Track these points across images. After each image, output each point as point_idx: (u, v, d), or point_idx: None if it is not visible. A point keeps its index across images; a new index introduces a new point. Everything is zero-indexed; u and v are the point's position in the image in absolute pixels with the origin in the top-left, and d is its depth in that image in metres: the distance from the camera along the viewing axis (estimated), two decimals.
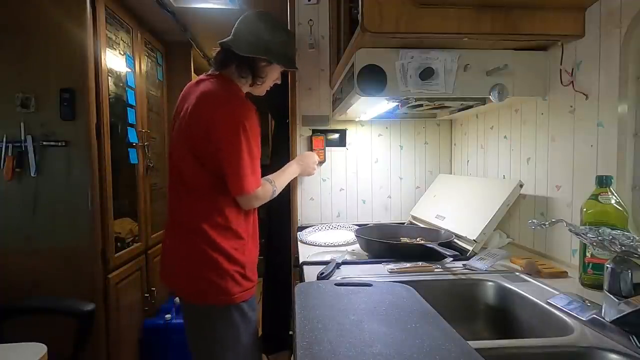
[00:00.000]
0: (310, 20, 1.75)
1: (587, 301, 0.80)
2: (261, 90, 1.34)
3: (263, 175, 1.26)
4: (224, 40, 1.22)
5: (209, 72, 1.27)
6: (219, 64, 1.24)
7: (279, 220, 2.39)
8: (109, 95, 1.84)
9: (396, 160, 1.86)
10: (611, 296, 0.69)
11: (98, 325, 1.71)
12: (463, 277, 1.04)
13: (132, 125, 2.08)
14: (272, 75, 1.31)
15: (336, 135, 1.82)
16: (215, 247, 1.14)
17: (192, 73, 2.80)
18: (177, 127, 1.24)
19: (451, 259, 1.13)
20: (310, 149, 1.78)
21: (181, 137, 1.19)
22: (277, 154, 2.51)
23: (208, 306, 1.16)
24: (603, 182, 0.88)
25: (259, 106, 1.31)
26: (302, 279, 1.10)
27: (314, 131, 1.79)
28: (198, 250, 1.14)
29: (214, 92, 1.17)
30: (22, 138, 1.62)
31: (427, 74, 1.11)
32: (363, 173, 1.84)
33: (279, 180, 1.33)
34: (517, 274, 1.04)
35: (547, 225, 0.82)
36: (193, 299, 1.18)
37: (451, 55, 1.12)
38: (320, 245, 1.44)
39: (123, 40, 2.02)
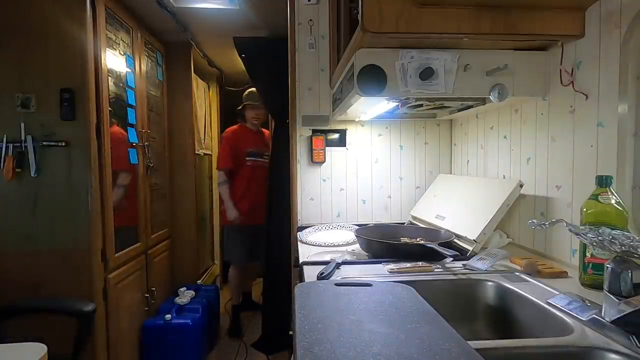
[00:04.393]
0: (310, 20, 1.75)
1: (587, 301, 0.80)
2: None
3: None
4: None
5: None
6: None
7: (279, 221, 2.40)
8: (109, 95, 1.84)
9: (396, 160, 1.86)
10: (611, 296, 0.69)
11: (98, 325, 1.71)
12: (463, 277, 1.04)
13: (132, 125, 2.08)
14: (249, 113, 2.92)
15: (336, 135, 1.82)
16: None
17: (192, 73, 2.79)
18: None
19: (451, 259, 1.13)
20: (311, 149, 1.79)
21: None
22: (277, 153, 2.51)
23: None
24: (603, 182, 0.88)
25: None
26: (302, 279, 1.10)
27: (314, 131, 1.80)
28: None
29: None
30: (23, 138, 1.62)
31: (427, 74, 1.11)
32: (363, 173, 1.84)
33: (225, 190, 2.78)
34: (517, 274, 1.04)
35: (547, 225, 0.82)
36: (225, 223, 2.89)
37: (451, 55, 1.12)
38: (320, 245, 1.44)
39: (123, 40, 2.02)
